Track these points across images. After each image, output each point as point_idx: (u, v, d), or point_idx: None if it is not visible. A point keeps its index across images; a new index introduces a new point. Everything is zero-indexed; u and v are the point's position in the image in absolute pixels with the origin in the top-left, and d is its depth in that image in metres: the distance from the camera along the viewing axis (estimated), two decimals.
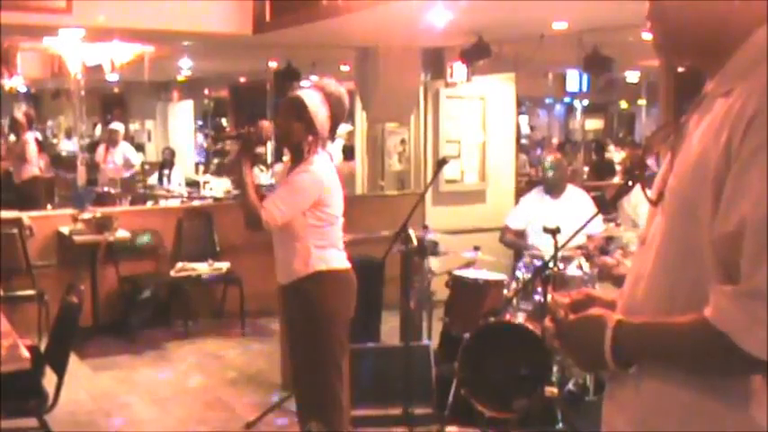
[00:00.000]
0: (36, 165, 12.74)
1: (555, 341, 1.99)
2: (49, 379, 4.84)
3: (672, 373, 1.75)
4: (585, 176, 14.58)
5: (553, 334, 1.99)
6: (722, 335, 1.61)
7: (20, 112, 15.03)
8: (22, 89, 18.85)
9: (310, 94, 4.40)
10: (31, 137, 12.91)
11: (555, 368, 5.51)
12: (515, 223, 7.24)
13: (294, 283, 4.42)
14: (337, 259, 4.47)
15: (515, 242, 7.20)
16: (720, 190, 1.64)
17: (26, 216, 8.22)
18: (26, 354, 4.14)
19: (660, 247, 1.81)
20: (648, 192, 1.94)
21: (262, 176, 12.75)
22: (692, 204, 1.72)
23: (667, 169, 1.86)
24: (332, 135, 4.54)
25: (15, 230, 8.02)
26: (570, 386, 5.91)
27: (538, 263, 6.18)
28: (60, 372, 4.74)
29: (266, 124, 4.39)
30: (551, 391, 5.33)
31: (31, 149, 12.66)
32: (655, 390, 1.79)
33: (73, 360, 5.19)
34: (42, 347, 5.30)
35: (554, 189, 7.08)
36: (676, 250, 1.77)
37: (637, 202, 6.88)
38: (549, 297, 5.57)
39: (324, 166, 4.39)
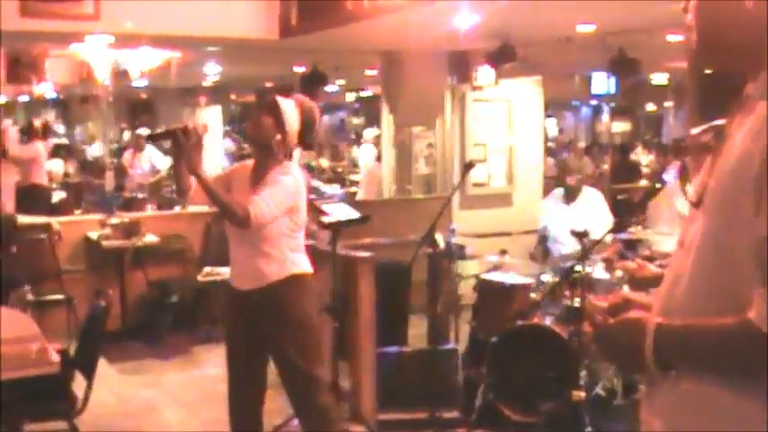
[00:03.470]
0: (41, 174, 12.52)
1: (594, 345, 1.99)
2: (78, 382, 4.87)
3: (709, 373, 1.74)
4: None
5: (592, 338, 1.99)
6: (766, 337, 1.60)
7: (38, 119, 15.07)
8: (51, 95, 19.00)
9: (283, 99, 4.47)
10: (40, 146, 12.76)
11: (583, 371, 5.49)
12: (540, 226, 7.21)
13: (266, 289, 4.39)
14: (306, 264, 4.54)
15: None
16: (762, 192, 1.63)
17: (55, 221, 8.28)
18: (56, 357, 4.18)
19: (699, 249, 1.80)
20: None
21: None
22: (732, 206, 1.70)
23: (708, 171, 1.85)
24: (302, 144, 4.58)
25: (44, 236, 8.08)
26: (598, 390, 5.88)
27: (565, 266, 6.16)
28: (89, 375, 4.76)
29: (200, 122, 4.36)
30: (579, 394, 5.32)
31: (37, 157, 12.49)
32: (692, 390, 1.78)
33: (101, 364, 5.22)
34: (71, 351, 5.34)
35: (570, 193, 6.98)
36: (715, 252, 1.76)
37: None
38: (577, 300, 5.55)
39: (299, 172, 4.49)
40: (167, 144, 4.48)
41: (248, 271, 4.44)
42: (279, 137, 4.39)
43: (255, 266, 4.41)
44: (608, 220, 6.57)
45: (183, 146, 4.29)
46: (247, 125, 4.47)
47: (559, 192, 7.07)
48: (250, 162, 4.68)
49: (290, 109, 4.43)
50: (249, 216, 4.15)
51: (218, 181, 4.64)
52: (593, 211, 6.71)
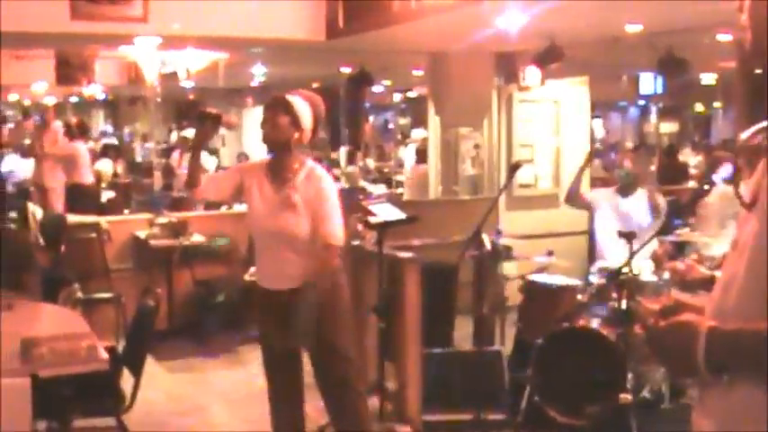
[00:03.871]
0: (80, 173, 12.58)
1: (646, 348, 1.96)
2: (125, 380, 4.92)
3: (762, 378, 1.72)
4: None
5: (644, 341, 1.96)
6: None
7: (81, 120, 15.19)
8: (100, 96, 19.22)
9: (294, 97, 4.48)
10: (79, 145, 12.83)
11: (630, 374, 5.44)
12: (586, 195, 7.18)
13: (309, 283, 4.35)
14: None
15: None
16: None
17: (104, 220, 8.37)
18: (104, 355, 4.22)
19: (753, 250, 1.77)
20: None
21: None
22: None
23: (762, 173, 1.83)
24: (313, 136, 4.59)
25: (94, 235, 8.17)
26: (645, 393, 5.83)
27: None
28: (137, 373, 4.82)
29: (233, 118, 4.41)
30: (625, 397, 5.28)
31: (74, 156, 12.58)
32: (744, 395, 1.75)
33: (149, 362, 5.26)
34: (120, 349, 5.40)
35: (627, 188, 6.90)
36: None
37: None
38: (624, 302, 5.51)
39: (318, 165, 4.58)
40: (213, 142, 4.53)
41: (292, 270, 4.42)
42: (297, 135, 4.42)
43: (297, 264, 4.41)
44: (658, 222, 6.50)
45: (209, 133, 4.36)
46: (264, 127, 4.43)
47: (613, 189, 7.02)
48: (261, 160, 4.73)
49: (302, 106, 4.44)
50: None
51: (227, 176, 4.72)
52: (645, 209, 6.64)
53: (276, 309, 4.49)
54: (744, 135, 1.98)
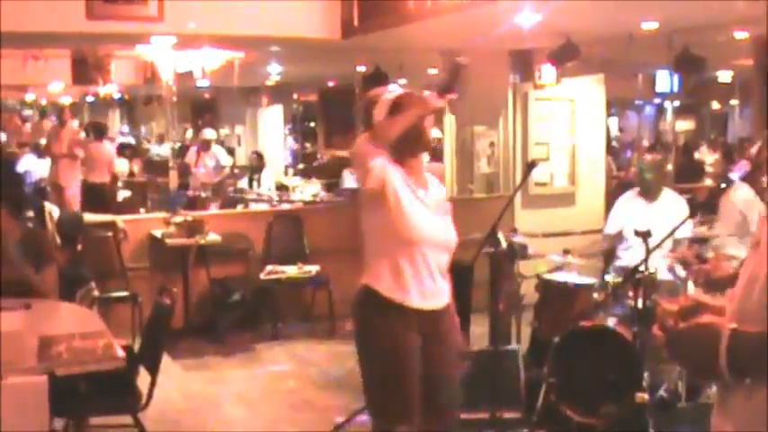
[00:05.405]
0: (96, 173, 12.78)
1: (665, 350, 1.94)
2: (142, 378, 4.93)
3: None
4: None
5: (664, 343, 1.94)
6: None
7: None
8: (116, 96, 19.29)
9: None
10: (100, 146, 13.02)
11: (646, 374, 5.42)
12: (611, 228, 6.98)
13: (447, 305, 4.23)
14: None
15: (612, 248, 6.94)
16: None
17: (120, 220, 8.39)
18: (121, 353, 4.23)
19: None
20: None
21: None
22: None
23: None
24: None
25: (110, 234, 8.20)
26: (662, 392, 5.80)
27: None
28: (153, 371, 4.83)
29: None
30: (642, 397, 5.26)
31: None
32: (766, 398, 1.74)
33: (165, 360, 5.28)
34: (136, 347, 5.41)
35: (649, 192, 6.80)
36: None
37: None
38: (640, 301, 5.49)
39: None
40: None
41: (438, 290, 4.17)
42: None
43: (444, 284, 4.21)
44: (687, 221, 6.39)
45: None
46: (426, 128, 4.18)
47: (635, 192, 6.90)
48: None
49: None
50: None
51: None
52: (675, 213, 6.49)
53: (423, 326, 4.09)
54: (751, 152, 1.96)
